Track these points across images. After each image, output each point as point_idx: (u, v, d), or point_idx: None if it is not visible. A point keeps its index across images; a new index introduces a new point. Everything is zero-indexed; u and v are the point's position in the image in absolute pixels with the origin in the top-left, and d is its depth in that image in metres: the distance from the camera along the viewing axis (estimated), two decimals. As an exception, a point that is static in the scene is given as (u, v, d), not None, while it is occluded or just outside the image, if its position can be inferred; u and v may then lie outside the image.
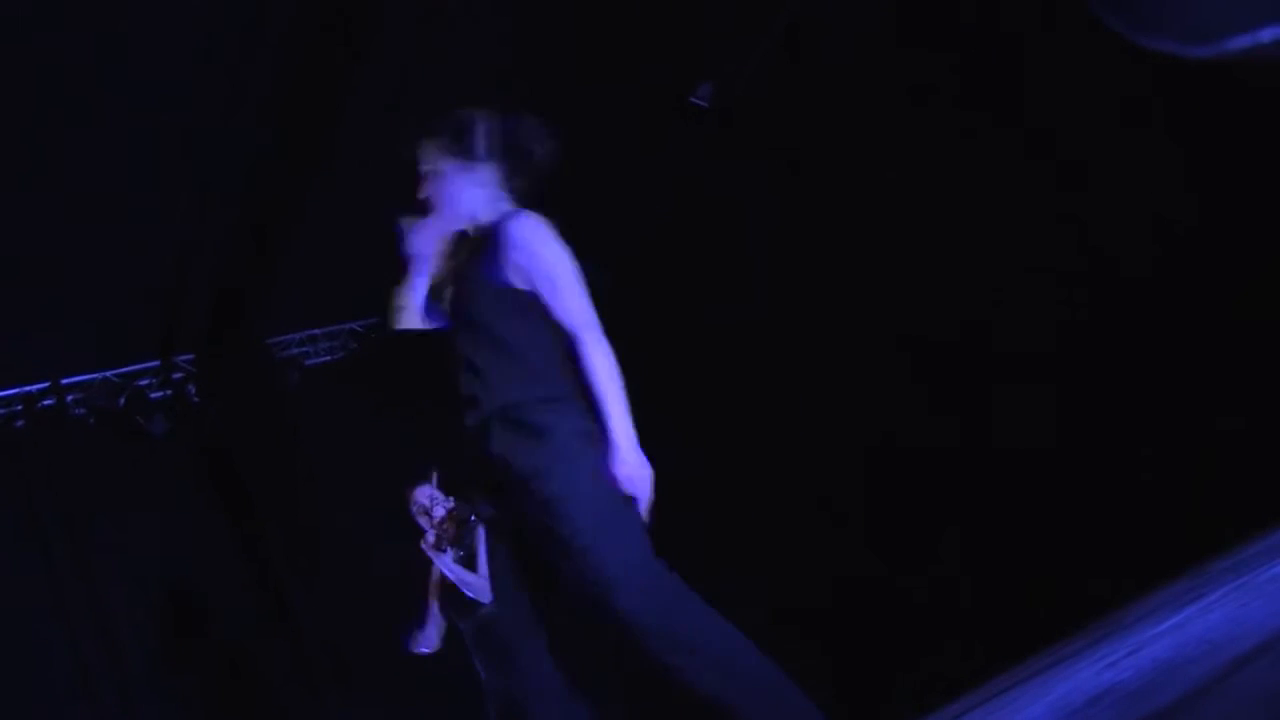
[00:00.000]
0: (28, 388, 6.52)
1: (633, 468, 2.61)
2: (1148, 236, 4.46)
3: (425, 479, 5.31)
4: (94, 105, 4.97)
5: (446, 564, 5.05)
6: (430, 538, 5.15)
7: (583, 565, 2.52)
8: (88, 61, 4.72)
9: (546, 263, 2.75)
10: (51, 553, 6.23)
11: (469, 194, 2.89)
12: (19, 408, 6.51)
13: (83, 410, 6.70)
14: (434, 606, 5.26)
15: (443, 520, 5.15)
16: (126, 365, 6.86)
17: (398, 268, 2.96)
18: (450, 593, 5.13)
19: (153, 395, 6.91)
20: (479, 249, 2.84)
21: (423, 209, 2.94)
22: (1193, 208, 4.35)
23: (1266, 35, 1.32)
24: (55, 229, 5.52)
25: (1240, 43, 1.31)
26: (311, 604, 6.72)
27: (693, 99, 6.26)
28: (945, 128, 5.14)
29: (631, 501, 2.63)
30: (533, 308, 2.74)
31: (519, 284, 2.75)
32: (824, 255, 5.83)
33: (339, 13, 5.00)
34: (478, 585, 5.01)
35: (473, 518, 5.18)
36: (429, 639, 5.25)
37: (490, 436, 2.71)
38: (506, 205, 2.89)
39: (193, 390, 7.12)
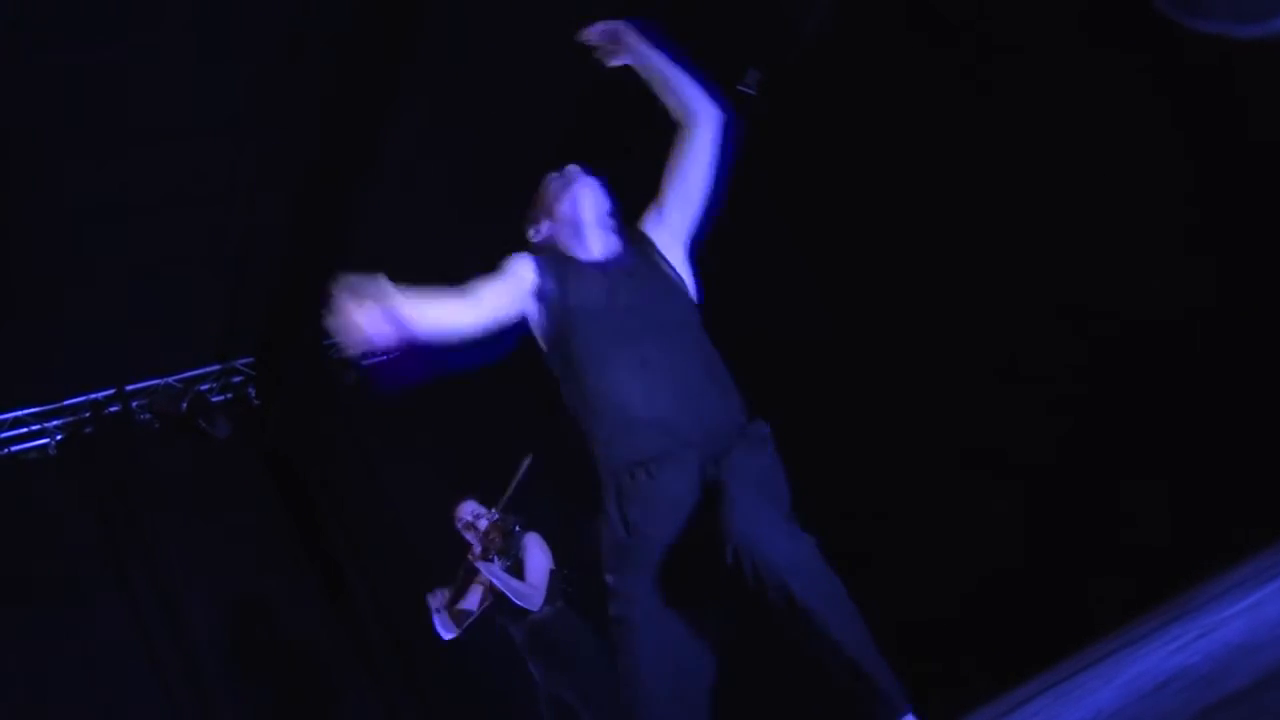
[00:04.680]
0: (95, 395, 6.66)
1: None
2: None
3: (469, 494, 5.42)
4: (152, 118, 5.05)
5: (495, 573, 5.12)
6: (477, 549, 5.22)
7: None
8: (142, 74, 4.80)
9: None
10: (121, 552, 6.35)
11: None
12: (87, 414, 6.64)
13: (148, 415, 6.82)
14: (470, 601, 5.33)
15: (488, 531, 5.21)
16: (188, 370, 6.97)
17: None
18: (501, 599, 5.19)
19: (214, 399, 7.02)
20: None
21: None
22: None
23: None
24: (116, 241, 5.62)
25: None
26: (373, 599, 6.79)
27: (740, 87, 6.20)
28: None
29: None
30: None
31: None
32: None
33: (387, 16, 5.02)
34: (526, 592, 5.09)
35: (517, 528, 5.25)
36: (450, 626, 5.36)
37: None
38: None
39: (253, 392, 7.23)
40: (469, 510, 5.40)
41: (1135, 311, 4.66)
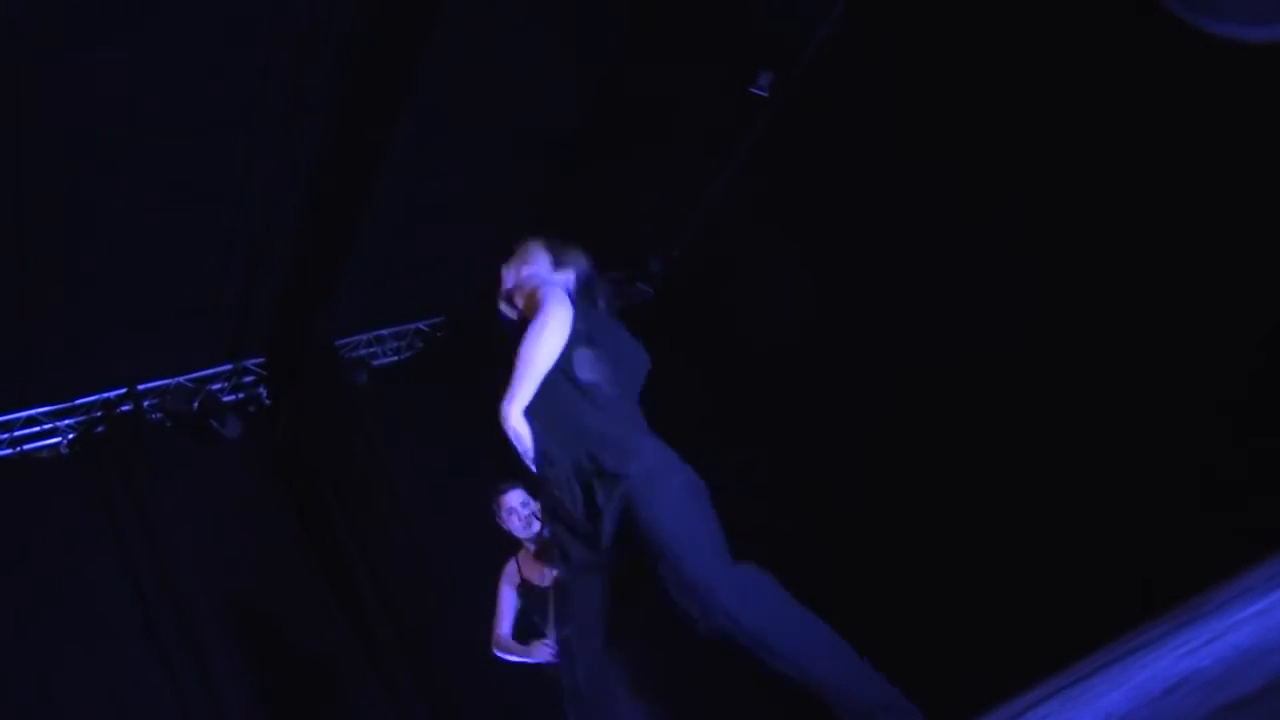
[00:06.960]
0: (106, 394, 6.67)
1: None
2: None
3: (513, 484, 4.99)
4: (162, 117, 5.07)
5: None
6: (533, 543, 4.96)
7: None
8: (155, 75, 4.82)
9: None
10: (131, 553, 6.37)
11: None
12: (99, 413, 6.66)
13: (159, 415, 6.84)
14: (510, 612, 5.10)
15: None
16: (200, 370, 6.99)
17: None
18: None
19: (225, 398, 7.04)
20: None
21: None
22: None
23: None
24: (128, 240, 5.65)
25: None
26: (382, 599, 6.79)
27: (753, 89, 6.19)
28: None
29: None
30: None
31: None
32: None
33: (397, 17, 5.04)
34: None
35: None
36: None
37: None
38: None
39: (264, 392, 7.24)
40: (518, 499, 5.00)
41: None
